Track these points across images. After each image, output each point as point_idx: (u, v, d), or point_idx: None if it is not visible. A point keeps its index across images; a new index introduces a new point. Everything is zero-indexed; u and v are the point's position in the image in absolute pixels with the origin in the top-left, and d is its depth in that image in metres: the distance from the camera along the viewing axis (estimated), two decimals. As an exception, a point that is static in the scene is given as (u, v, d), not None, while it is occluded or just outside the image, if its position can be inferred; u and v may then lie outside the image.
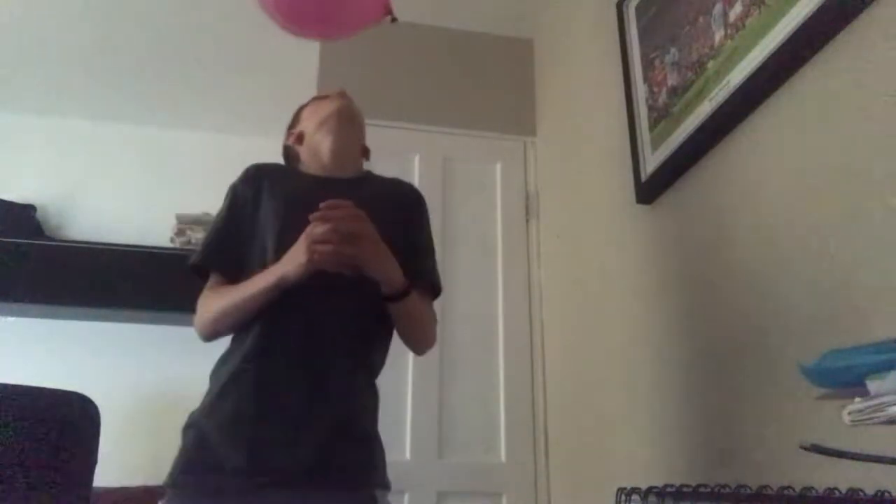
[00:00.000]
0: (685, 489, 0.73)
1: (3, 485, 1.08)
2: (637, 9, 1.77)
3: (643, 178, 1.64)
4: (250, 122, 3.33)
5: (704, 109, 1.37)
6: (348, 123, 1.43)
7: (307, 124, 1.45)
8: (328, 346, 1.21)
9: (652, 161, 1.60)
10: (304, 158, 1.45)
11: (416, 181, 2.45)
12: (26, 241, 2.90)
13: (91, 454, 1.24)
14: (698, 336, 1.38)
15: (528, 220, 2.50)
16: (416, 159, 2.49)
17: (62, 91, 3.18)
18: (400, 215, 1.37)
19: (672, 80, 1.54)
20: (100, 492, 2.23)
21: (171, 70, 3.03)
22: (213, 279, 1.32)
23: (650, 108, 1.64)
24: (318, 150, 1.41)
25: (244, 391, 1.17)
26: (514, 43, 2.78)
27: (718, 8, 1.36)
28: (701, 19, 1.43)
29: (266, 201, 1.32)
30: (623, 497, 0.76)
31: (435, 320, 1.38)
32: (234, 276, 1.28)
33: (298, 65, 2.78)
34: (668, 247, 1.54)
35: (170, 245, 3.07)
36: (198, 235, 3.08)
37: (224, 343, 1.30)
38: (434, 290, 1.38)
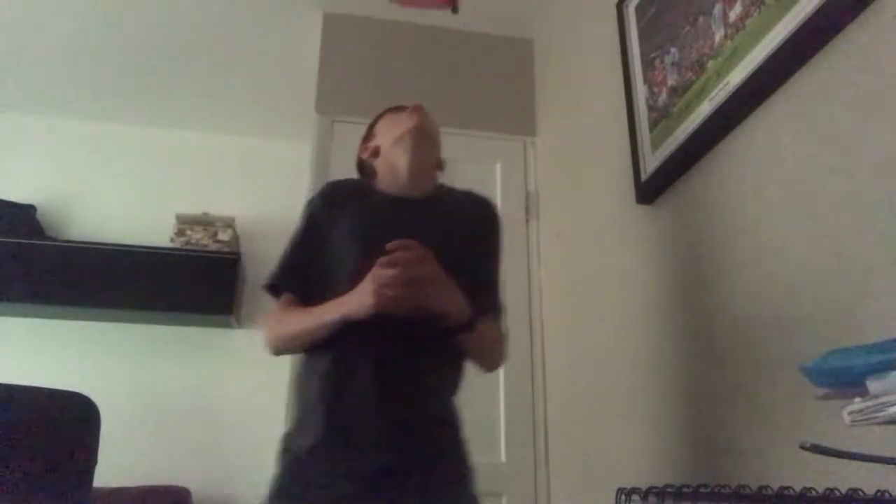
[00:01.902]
0: (685, 489, 0.73)
1: (3, 485, 1.08)
2: (637, 9, 1.77)
3: (643, 178, 1.64)
4: (250, 122, 3.33)
5: (704, 109, 1.37)
6: (425, 141, 1.42)
7: (383, 138, 1.45)
8: (403, 372, 1.23)
9: (652, 161, 1.60)
10: (379, 172, 1.45)
11: (416, 181, 2.46)
12: (26, 241, 2.91)
13: (91, 454, 1.24)
14: (698, 336, 1.38)
15: (528, 220, 2.50)
16: (416, 159, 2.49)
17: (62, 91, 3.18)
18: (471, 237, 1.38)
19: (672, 80, 1.54)
20: (100, 492, 2.23)
21: (171, 70, 3.03)
22: (285, 297, 1.34)
23: (650, 108, 1.64)
24: (395, 166, 1.41)
25: (328, 417, 1.20)
26: (514, 43, 2.78)
27: (718, 8, 1.36)
28: (701, 19, 1.43)
29: (342, 221, 1.33)
30: (623, 497, 0.76)
31: (502, 339, 1.40)
32: (307, 295, 1.30)
33: (298, 65, 2.78)
34: (668, 247, 1.54)
35: (170, 245, 3.06)
36: (198, 235, 3.08)
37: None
38: (499, 312, 1.40)
